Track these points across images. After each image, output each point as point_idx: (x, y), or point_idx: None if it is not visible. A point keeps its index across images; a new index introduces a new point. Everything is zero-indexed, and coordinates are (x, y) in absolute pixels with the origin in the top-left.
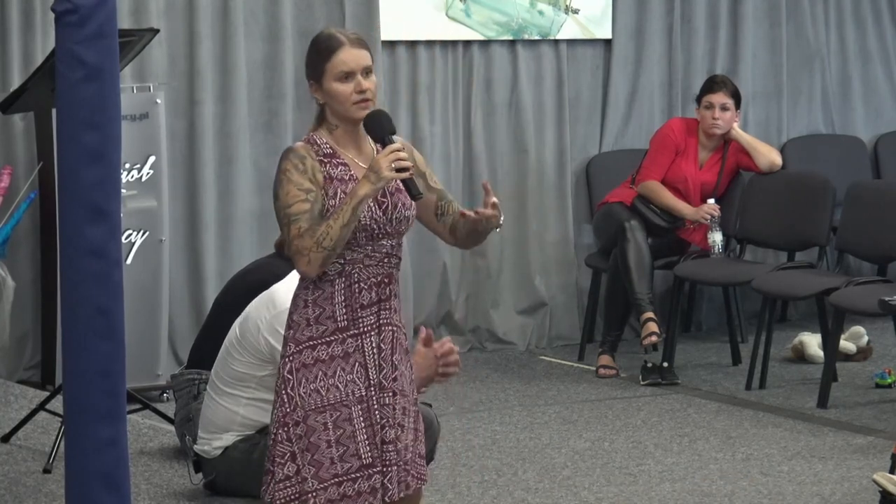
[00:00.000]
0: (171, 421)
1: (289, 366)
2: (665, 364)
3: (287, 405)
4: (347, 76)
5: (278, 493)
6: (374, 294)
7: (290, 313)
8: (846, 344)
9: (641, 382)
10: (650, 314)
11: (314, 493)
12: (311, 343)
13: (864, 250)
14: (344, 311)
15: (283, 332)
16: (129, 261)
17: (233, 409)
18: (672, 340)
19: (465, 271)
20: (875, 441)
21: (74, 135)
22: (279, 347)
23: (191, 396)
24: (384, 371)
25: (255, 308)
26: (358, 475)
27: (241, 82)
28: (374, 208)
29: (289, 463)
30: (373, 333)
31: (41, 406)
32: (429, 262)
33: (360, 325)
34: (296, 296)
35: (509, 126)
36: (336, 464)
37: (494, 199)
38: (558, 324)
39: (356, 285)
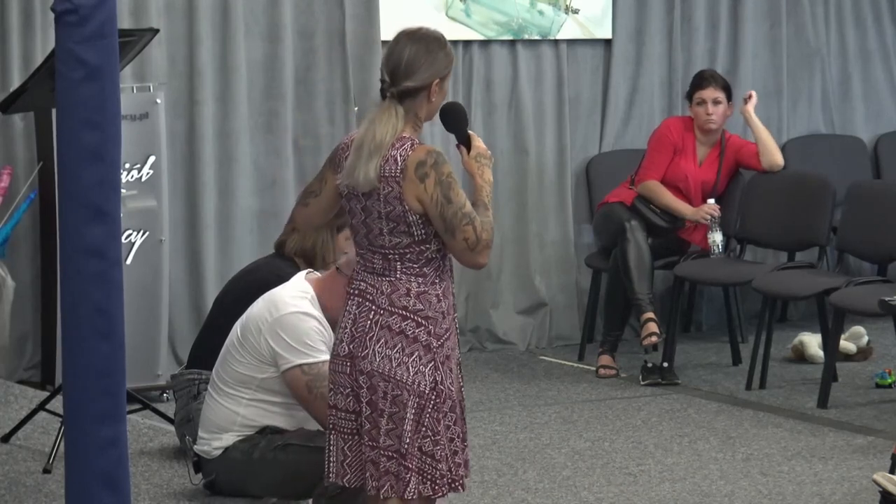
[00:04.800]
0: (171, 421)
1: (436, 361)
2: (665, 364)
3: (439, 398)
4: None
5: (442, 487)
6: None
7: (418, 312)
8: (846, 344)
9: (641, 382)
10: (650, 314)
11: (466, 476)
12: (448, 335)
13: (864, 250)
14: (453, 300)
15: (285, 336)
16: (129, 261)
17: (233, 410)
18: (672, 340)
19: (465, 271)
20: (875, 441)
21: (74, 135)
22: (280, 351)
23: (191, 396)
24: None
25: (258, 310)
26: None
27: (241, 82)
28: None
29: (448, 455)
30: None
31: (41, 406)
32: None
33: (454, 311)
34: (422, 294)
35: (509, 126)
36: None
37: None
38: (558, 324)
39: (447, 272)
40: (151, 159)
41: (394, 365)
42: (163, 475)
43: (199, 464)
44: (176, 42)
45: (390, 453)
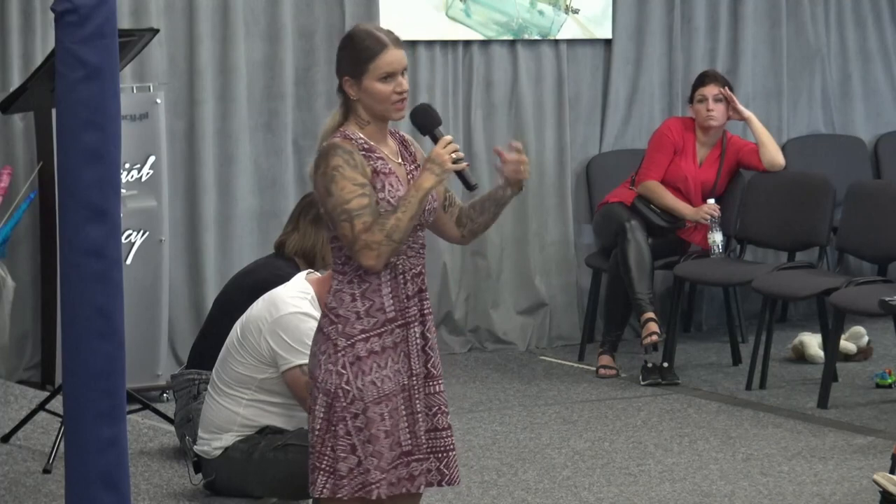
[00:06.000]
0: (170, 421)
1: (341, 360)
2: (665, 364)
3: (344, 399)
4: (390, 76)
5: (343, 488)
6: (416, 284)
7: (332, 309)
8: (846, 344)
9: (641, 382)
10: (650, 314)
11: (377, 484)
12: (363, 336)
13: (864, 250)
14: (391, 301)
15: (285, 336)
16: (129, 261)
17: (233, 410)
18: (672, 340)
19: (465, 271)
20: (875, 441)
21: (74, 135)
22: (280, 351)
23: (191, 397)
24: (432, 360)
25: (258, 310)
26: (398, 462)
27: (241, 82)
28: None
29: (350, 456)
30: (417, 323)
31: (41, 406)
32: (429, 262)
33: (407, 315)
34: (337, 292)
35: (509, 126)
36: (392, 451)
37: (522, 156)
38: (558, 324)
39: (401, 276)
40: (151, 159)
41: (314, 363)
42: (163, 475)
43: (199, 464)
44: (176, 42)
45: (310, 449)
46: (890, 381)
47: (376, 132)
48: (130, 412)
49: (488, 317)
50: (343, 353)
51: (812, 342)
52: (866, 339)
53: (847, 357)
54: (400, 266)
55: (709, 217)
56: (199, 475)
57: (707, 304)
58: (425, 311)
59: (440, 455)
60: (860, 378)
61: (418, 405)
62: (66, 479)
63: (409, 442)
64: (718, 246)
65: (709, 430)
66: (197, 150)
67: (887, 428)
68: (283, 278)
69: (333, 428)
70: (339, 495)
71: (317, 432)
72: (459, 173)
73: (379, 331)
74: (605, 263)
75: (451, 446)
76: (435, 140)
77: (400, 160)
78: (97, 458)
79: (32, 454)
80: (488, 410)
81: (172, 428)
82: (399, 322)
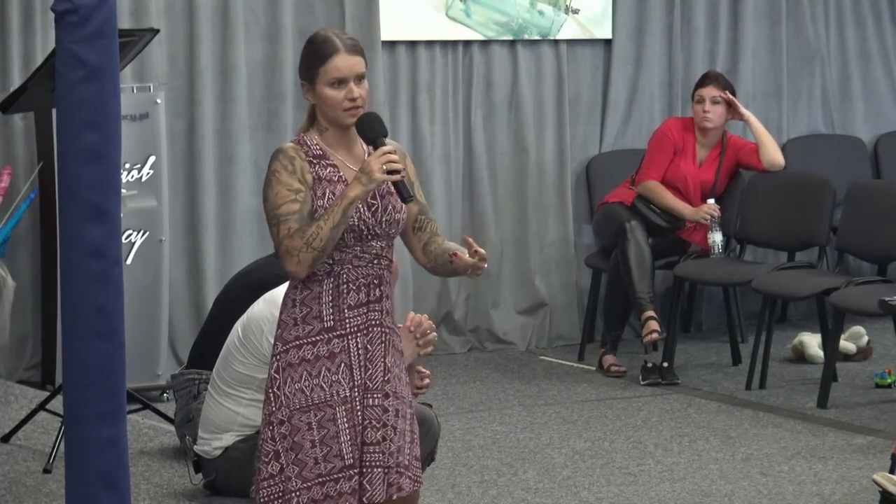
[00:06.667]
0: (171, 421)
1: (275, 365)
2: (665, 364)
3: (273, 404)
4: (340, 82)
5: (263, 491)
6: (362, 295)
7: (280, 312)
8: (846, 344)
9: (641, 382)
10: (651, 312)
11: (297, 493)
12: (297, 343)
13: (864, 250)
14: (331, 311)
15: None
16: (129, 261)
17: (234, 410)
18: (672, 340)
19: None
20: (875, 441)
21: (74, 135)
22: None
23: (191, 396)
24: (370, 372)
25: (259, 310)
26: (340, 475)
27: (241, 82)
28: (363, 210)
29: (272, 461)
30: (359, 334)
31: (41, 406)
32: None
33: (347, 325)
34: (285, 296)
35: (509, 126)
36: (320, 464)
37: (481, 250)
38: (558, 324)
39: (344, 286)
40: (151, 159)
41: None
42: (163, 475)
43: (199, 464)
44: (176, 42)
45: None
46: (890, 381)
47: (336, 138)
48: (130, 412)
49: (488, 317)
50: (277, 357)
51: (812, 342)
52: (866, 339)
53: (847, 357)
54: (343, 275)
55: (709, 217)
56: (199, 475)
57: (707, 304)
58: (372, 323)
59: (364, 470)
60: (860, 378)
61: (360, 417)
62: (66, 479)
63: (352, 455)
64: (718, 246)
65: (709, 430)
66: (197, 150)
67: (887, 428)
68: (283, 278)
69: (262, 431)
70: (261, 498)
71: (260, 437)
72: (395, 184)
73: (314, 339)
74: (605, 263)
75: (378, 462)
76: (376, 149)
77: None
78: (97, 458)
79: (32, 454)
80: (488, 410)
81: (172, 428)
82: (338, 332)
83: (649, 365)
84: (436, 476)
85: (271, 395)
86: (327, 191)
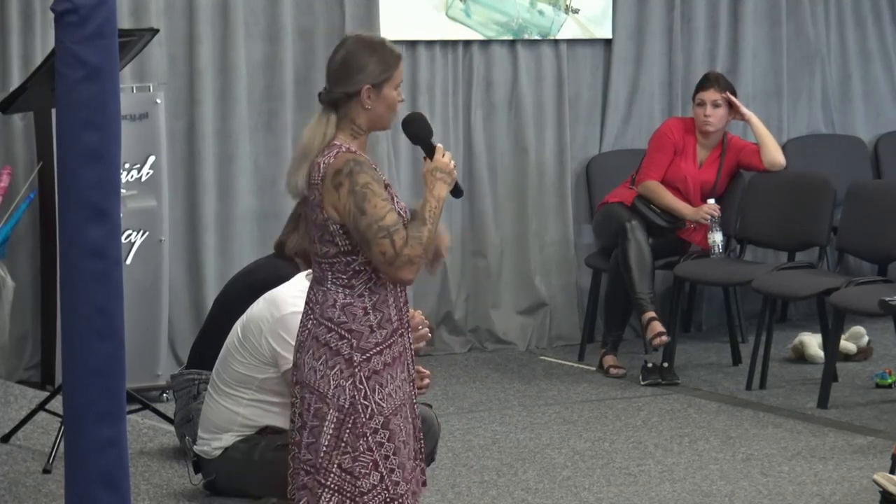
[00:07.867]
0: (170, 421)
1: (358, 376)
2: (665, 364)
3: (363, 415)
4: (398, 86)
5: (391, 501)
6: (407, 293)
7: (343, 324)
8: (846, 344)
9: (641, 382)
10: (652, 313)
11: (405, 496)
12: (377, 349)
13: (864, 250)
14: (394, 312)
15: (286, 336)
16: (129, 261)
17: (233, 410)
18: (672, 340)
19: (465, 271)
20: (875, 441)
21: (74, 135)
22: (281, 351)
23: (191, 396)
24: (413, 366)
25: (258, 310)
26: (417, 470)
27: (241, 82)
28: (405, 206)
29: (372, 472)
30: (408, 330)
31: (41, 406)
32: None
33: (405, 323)
34: (347, 306)
35: (509, 126)
36: (411, 461)
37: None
38: (558, 324)
39: (399, 286)
40: (151, 159)
41: (318, 377)
42: (163, 475)
43: (199, 464)
44: (176, 42)
45: (307, 467)
46: (890, 381)
47: (364, 143)
48: (130, 412)
49: (488, 317)
50: (359, 367)
51: (812, 342)
52: (866, 339)
53: (847, 357)
54: None
55: (709, 217)
56: (199, 475)
57: (707, 304)
58: (408, 319)
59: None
60: (860, 378)
61: (414, 411)
62: (66, 479)
63: (413, 448)
64: (718, 246)
65: (709, 430)
66: (197, 150)
67: (887, 428)
68: (283, 278)
69: (345, 445)
70: None
71: (324, 449)
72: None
73: (389, 342)
74: (605, 263)
75: (422, 451)
76: (428, 149)
77: None
78: (97, 458)
79: (32, 454)
80: (488, 410)
81: (172, 428)
82: (400, 331)
83: (649, 365)
84: (436, 476)
85: (359, 406)
86: (392, 195)
